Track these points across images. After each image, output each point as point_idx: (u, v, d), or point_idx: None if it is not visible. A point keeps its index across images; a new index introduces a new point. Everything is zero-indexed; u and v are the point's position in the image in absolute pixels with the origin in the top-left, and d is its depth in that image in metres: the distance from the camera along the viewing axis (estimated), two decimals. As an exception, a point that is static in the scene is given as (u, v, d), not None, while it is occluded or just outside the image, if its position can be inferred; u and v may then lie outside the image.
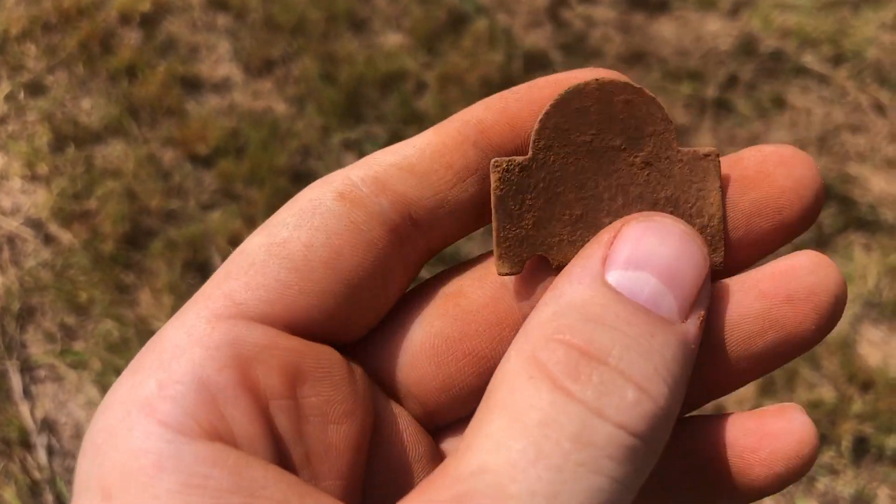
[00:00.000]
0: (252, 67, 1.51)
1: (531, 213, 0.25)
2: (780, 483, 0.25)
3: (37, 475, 1.10)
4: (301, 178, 1.37)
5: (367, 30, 1.56)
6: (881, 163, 1.38)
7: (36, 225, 1.32)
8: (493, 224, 0.25)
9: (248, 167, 1.37)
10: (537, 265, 0.26)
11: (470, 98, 1.44)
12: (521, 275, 0.26)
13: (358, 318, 0.25)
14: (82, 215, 1.32)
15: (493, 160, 0.25)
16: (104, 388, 1.17)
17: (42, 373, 1.19)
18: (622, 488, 0.20)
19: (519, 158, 0.25)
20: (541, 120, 0.25)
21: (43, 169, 1.37)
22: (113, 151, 1.40)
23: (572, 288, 0.22)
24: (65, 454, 1.12)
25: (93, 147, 1.41)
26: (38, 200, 1.34)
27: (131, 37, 1.54)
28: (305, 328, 0.23)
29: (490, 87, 1.46)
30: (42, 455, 1.12)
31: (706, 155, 0.25)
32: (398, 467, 0.25)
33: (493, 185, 0.25)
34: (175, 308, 1.23)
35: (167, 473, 0.19)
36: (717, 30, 1.54)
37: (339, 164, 1.39)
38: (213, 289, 0.23)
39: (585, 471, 0.19)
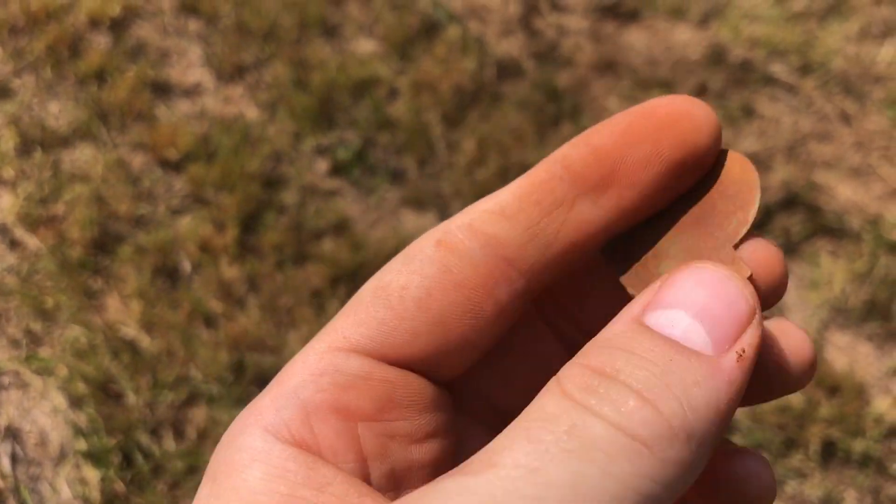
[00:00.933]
0: (223, 73, 1.50)
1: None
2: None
3: (0, 483, 1.08)
4: (272, 184, 1.36)
5: (340, 36, 1.56)
6: (847, 171, 1.40)
7: (1, 230, 1.30)
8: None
9: (218, 172, 1.36)
10: None
11: (442, 105, 1.45)
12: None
13: (449, 356, 0.27)
14: (49, 220, 1.30)
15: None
16: (70, 395, 1.15)
17: (6, 379, 1.17)
18: (617, 484, 0.20)
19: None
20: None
21: (9, 173, 1.35)
22: (81, 156, 1.38)
23: (609, 329, 0.24)
24: (29, 462, 1.10)
25: (60, 151, 1.39)
26: (4, 205, 1.32)
27: (100, 41, 1.53)
28: (399, 362, 0.26)
29: (462, 94, 1.47)
30: (6, 463, 1.10)
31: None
32: None
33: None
34: (144, 314, 1.21)
35: (257, 464, 0.24)
36: (686, 39, 1.56)
37: (311, 170, 1.38)
38: (331, 326, 0.27)
39: (573, 457, 0.20)
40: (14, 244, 1.28)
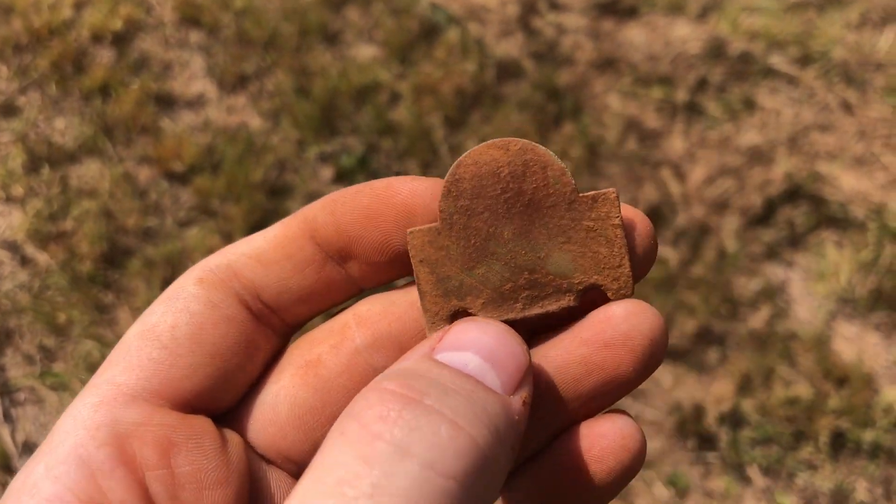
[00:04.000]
0: (226, 83, 1.51)
1: (451, 272, 0.27)
2: (615, 478, 0.27)
3: (19, 499, 1.10)
4: (277, 193, 1.37)
5: (340, 42, 1.57)
6: (850, 161, 1.40)
7: (12, 247, 1.31)
8: (419, 290, 0.27)
9: (224, 183, 1.37)
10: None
11: (444, 108, 1.45)
12: (377, 339, 0.28)
13: (228, 387, 0.27)
14: (59, 236, 1.32)
15: (408, 231, 0.27)
16: (85, 408, 1.17)
17: (22, 395, 1.18)
18: None
19: (430, 225, 0.27)
20: (448, 184, 0.27)
21: (18, 190, 1.36)
22: (88, 171, 1.40)
23: (402, 363, 0.24)
24: (47, 477, 1.12)
25: (68, 167, 1.40)
26: (14, 222, 1.33)
27: (104, 55, 1.54)
28: (180, 399, 0.26)
29: (464, 96, 1.47)
30: (24, 478, 1.11)
31: (602, 196, 0.27)
32: None
33: (412, 255, 0.27)
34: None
35: None
36: (685, 34, 1.56)
37: (316, 177, 1.39)
38: (98, 378, 0.26)
39: None
40: (25, 261, 1.30)
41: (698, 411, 1.17)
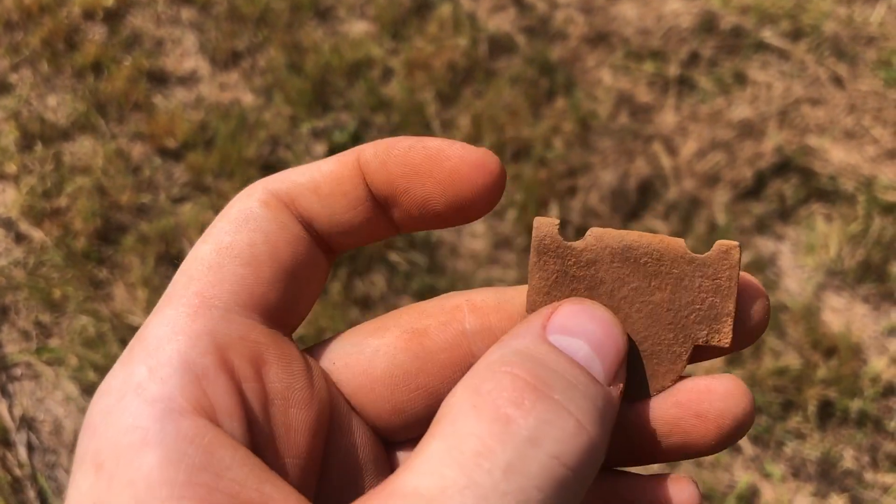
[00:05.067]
0: (218, 59, 1.51)
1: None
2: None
3: (17, 472, 1.11)
4: (271, 169, 1.38)
5: (332, 18, 1.56)
6: (840, 134, 1.41)
7: (6, 224, 1.32)
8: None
9: (217, 159, 1.37)
10: None
11: (436, 83, 1.46)
12: (484, 328, 0.29)
13: (299, 306, 0.29)
14: (53, 213, 1.32)
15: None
16: (82, 383, 1.18)
17: (19, 371, 1.19)
18: None
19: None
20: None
21: (11, 168, 1.37)
22: (81, 148, 1.40)
23: (517, 340, 0.25)
24: (45, 450, 1.13)
25: (61, 144, 1.40)
26: (8, 199, 1.34)
27: (95, 32, 1.54)
28: (266, 314, 0.27)
29: (456, 71, 1.48)
30: (22, 452, 1.13)
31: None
32: (352, 466, 0.29)
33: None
34: (150, 302, 1.23)
35: (151, 448, 0.22)
36: (677, 8, 1.56)
37: (309, 153, 1.40)
38: (182, 290, 0.26)
39: (511, 499, 0.21)
40: (20, 238, 1.31)
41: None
